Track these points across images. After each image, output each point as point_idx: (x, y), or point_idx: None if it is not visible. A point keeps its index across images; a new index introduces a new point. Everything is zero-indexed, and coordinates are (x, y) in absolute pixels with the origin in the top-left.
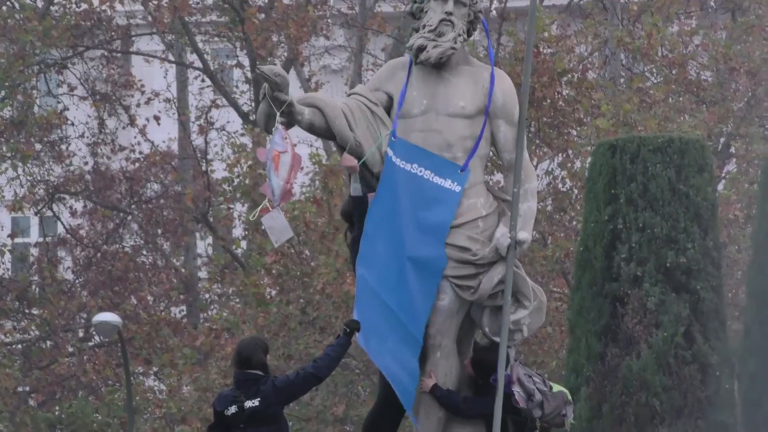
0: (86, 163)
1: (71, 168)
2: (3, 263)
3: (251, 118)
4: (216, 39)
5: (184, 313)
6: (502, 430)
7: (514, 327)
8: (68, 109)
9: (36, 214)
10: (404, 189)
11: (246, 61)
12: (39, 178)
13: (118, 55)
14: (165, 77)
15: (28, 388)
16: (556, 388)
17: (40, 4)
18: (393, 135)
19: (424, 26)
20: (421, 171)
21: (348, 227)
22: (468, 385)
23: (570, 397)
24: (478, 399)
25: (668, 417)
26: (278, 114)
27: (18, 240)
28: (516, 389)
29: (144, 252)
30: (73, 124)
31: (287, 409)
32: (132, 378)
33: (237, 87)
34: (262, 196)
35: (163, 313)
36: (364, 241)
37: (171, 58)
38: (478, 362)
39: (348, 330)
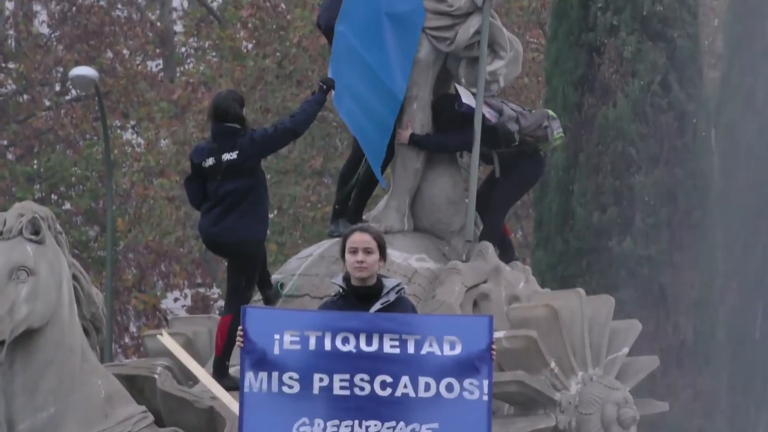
0: None
1: None
2: None
3: None
4: None
5: (161, 66)
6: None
7: (490, 78)
8: None
9: None
10: None
11: None
12: None
13: None
14: None
15: (5, 142)
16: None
17: None
18: None
19: None
20: None
21: None
22: None
23: (554, 114)
24: (457, 131)
25: (645, 165)
26: None
27: None
28: (484, 109)
29: (119, 6)
30: None
31: (265, 162)
32: (109, 131)
33: None
34: None
35: (139, 66)
36: None
37: None
38: (435, 107)
39: (324, 86)
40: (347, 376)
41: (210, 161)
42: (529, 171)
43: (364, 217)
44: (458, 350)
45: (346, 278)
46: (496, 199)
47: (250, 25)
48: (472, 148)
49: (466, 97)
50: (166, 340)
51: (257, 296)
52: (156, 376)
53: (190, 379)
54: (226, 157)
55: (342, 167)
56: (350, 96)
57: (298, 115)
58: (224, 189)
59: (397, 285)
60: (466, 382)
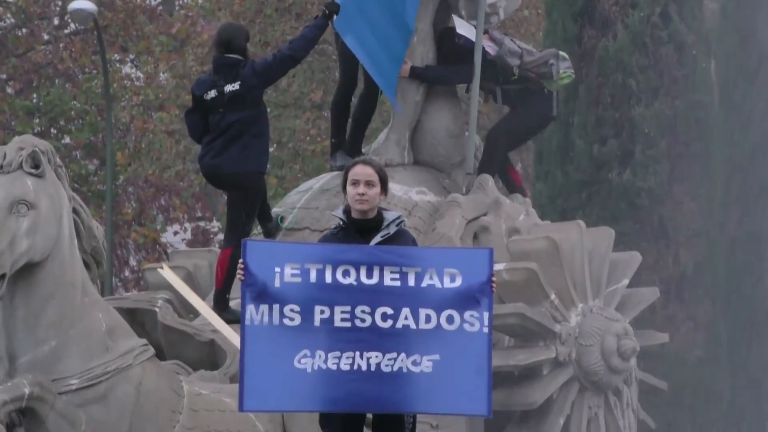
0: None
1: None
2: None
3: None
4: None
5: (159, 0)
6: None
7: (490, 10)
8: None
9: None
10: None
11: None
12: None
13: None
14: None
15: (4, 76)
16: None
17: None
18: None
19: None
20: None
21: None
22: None
23: (565, 55)
24: (457, 63)
25: (645, 97)
26: None
27: None
28: (485, 42)
29: None
30: None
31: (264, 96)
32: (109, 65)
33: None
34: None
35: (138, 0)
36: None
37: None
38: (437, 40)
39: (327, 12)
40: (348, 308)
41: (212, 93)
42: (532, 108)
43: (363, 150)
44: (458, 282)
45: (347, 211)
46: (495, 130)
47: None
48: (472, 81)
49: (462, 29)
50: (167, 273)
51: (257, 229)
52: (157, 310)
53: (191, 312)
54: (228, 88)
55: (333, 97)
56: (364, 19)
57: (296, 42)
58: (226, 121)
59: (398, 218)
60: (467, 314)
